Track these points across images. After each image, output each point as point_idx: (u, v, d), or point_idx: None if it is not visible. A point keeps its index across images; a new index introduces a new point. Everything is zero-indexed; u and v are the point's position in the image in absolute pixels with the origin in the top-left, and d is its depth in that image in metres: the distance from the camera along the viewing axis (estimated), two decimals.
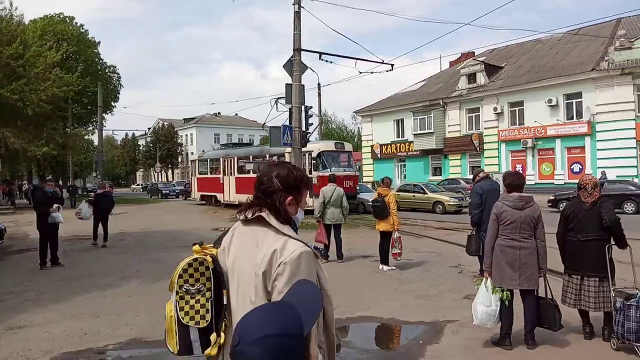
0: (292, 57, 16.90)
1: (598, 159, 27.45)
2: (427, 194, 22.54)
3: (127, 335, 5.35)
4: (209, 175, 27.29)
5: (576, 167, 28.38)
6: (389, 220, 8.70)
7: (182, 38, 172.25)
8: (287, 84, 16.94)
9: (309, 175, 17.12)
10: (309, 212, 12.42)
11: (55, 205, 9.82)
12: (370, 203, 9.89)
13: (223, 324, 1.73)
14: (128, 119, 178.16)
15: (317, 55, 18.20)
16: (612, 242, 4.83)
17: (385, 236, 8.82)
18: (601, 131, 27.34)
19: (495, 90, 32.18)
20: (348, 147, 23.02)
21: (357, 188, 21.71)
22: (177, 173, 75.70)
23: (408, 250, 9.60)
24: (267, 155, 22.11)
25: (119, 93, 43.40)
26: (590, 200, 4.84)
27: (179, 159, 74.37)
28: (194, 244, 1.80)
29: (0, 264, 10.40)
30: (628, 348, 4.45)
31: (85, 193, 39.97)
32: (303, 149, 19.20)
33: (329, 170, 19.23)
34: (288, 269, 1.60)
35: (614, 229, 4.76)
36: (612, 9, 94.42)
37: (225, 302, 1.74)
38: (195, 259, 1.74)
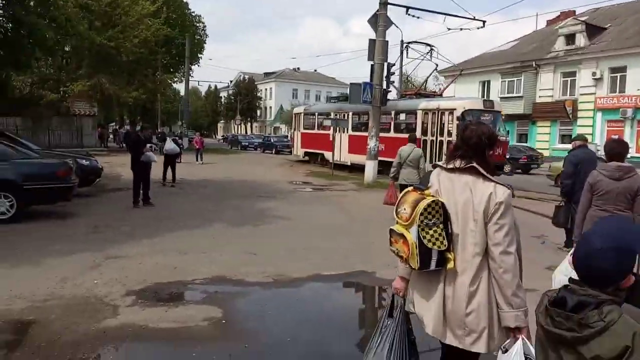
0: (377, 10, 16.43)
1: None
2: None
3: (212, 272, 5.71)
4: (315, 131, 24.30)
5: None
6: None
7: None
8: (370, 40, 16.57)
9: (447, 138, 16.02)
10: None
11: (148, 145, 10.62)
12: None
13: (451, 246, 2.27)
14: (213, 70, 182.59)
15: (403, 10, 17.65)
16: None
17: None
18: None
19: (595, 53, 29.56)
20: (498, 106, 18.36)
21: (507, 157, 17.92)
22: (256, 126, 77.67)
23: None
24: (393, 112, 19.17)
25: (205, 43, 44.32)
26: None
27: (258, 113, 76.09)
28: (422, 190, 2.35)
29: (97, 199, 11.39)
30: None
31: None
32: (441, 106, 17.18)
33: None
34: (503, 207, 2.23)
35: None
36: None
37: (450, 231, 2.29)
38: (433, 201, 2.26)
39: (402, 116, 18.94)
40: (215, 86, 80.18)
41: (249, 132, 68.08)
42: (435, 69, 21.63)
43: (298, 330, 4.29)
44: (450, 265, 2.26)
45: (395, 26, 17.33)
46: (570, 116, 30.58)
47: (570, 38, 31.63)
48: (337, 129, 21.63)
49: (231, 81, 78.90)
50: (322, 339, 4.16)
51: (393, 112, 19.08)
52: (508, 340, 2.20)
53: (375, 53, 16.42)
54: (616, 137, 23.42)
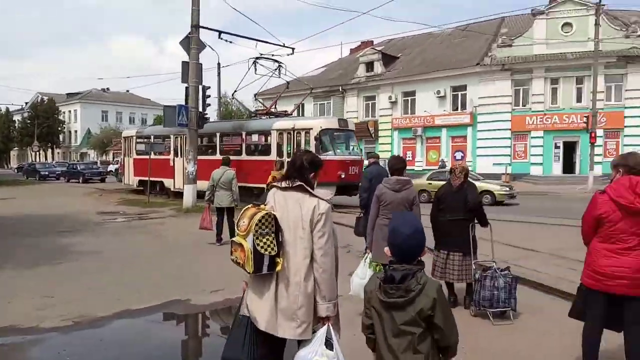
0: (189, 33, 16.33)
1: (478, 147, 30.04)
2: None
3: None
4: (152, 157, 20.07)
5: (459, 155, 30.78)
6: None
7: (71, 7, 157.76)
8: (183, 62, 16.38)
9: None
10: None
11: None
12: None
13: (281, 252, 2.70)
14: (2, 91, 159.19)
15: (217, 33, 17.82)
16: (476, 221, 5.41)
17: None
18: (482, 122, 29.91)
19: (390, 79, 33.71)
20: (352, 125, 18.28)
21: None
22: (58, 153, 70.10)
23: None
24: (244, 133, 18.26)
25: None
26: (458, 183, 5.37)
27: (61, 138, 68.85)
28: (260, 205, 2.82)
29: None
30: (483, 314, 5.06)
31: None
32: (297, 125, 16.66)
33: (332, 153, 16.05)
34: (324, 217, 2.71)
35: (476, 210, 5.33)
36: (503, 7, 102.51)
37: (280, 239, 2.72)
38: (267, 213, 2.69)
39: (255, 137, 18.11)
40: (7, 109, 70.27)
41: (50, 160, 60.89)
42: (287, 87, 21.53)
43: None
44: (278, 268, 2.68)
45: (211, 49, 17.24)
46: (373, 135, 34.23)
47: (369, 66, 35.51)
48: (179, 153, 19.94)
49: (26, 103, 69.87)
50: None
51: (244, 133, 18.27)
52: (317, 325, 2.71)
53: (190, 75, 16.26)
54: (410, 153, 26.45)
